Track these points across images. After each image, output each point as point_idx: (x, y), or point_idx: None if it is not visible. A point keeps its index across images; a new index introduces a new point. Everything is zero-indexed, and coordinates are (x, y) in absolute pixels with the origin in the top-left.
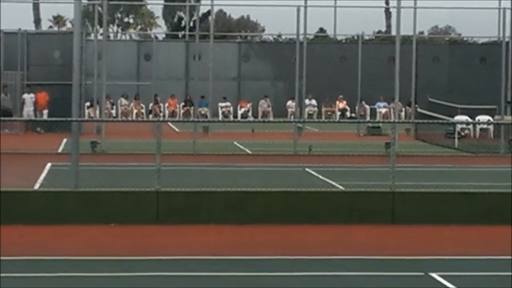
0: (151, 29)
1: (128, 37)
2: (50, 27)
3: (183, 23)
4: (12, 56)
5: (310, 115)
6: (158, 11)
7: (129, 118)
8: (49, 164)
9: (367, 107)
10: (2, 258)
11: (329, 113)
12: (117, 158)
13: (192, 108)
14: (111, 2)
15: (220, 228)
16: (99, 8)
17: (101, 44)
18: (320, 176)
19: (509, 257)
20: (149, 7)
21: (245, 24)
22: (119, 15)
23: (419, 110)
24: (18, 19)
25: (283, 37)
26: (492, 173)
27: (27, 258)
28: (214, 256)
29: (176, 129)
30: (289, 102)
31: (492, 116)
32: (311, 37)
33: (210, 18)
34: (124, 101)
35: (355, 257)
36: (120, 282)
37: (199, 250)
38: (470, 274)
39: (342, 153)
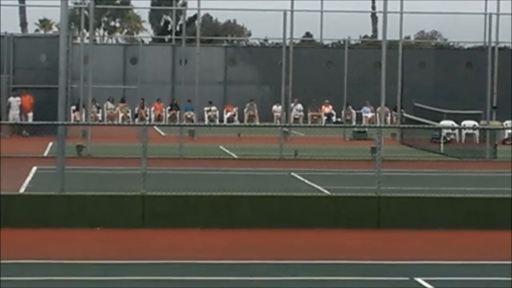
0: (137, 33)
1: (114, 41)
2: (37, 30)
3: (169, 27)
4: None
5: (296, 120)
6: (144, 15)
7: (115, 122)
8: (34, 168)
9: (353, 111)
10: None
11: (315, 117)
12: (103, 162)
13: (178, 112)
14: (97, 6)
15: (206, 232)
16: (86, 12)
17: (88, 47)
18: (306, 181)
19: (495, 262)
20: (135, 11)
21: (232, 28)
22: (105, 19)
23: (405, 115)
24: (4, 22)
25: (270, 41)
26: (477, 178)
27: (12, 262)
28: (200, 261)
29: (162, 133)
30: (275, 107)
31: (478, 121)
32: (298, 41)
33: (196, 22)
34: (110, 104)
35: (340, 262)
36: (105, 286)
37: (184, 254)
38: (455, 279)
39: (328, 157)
